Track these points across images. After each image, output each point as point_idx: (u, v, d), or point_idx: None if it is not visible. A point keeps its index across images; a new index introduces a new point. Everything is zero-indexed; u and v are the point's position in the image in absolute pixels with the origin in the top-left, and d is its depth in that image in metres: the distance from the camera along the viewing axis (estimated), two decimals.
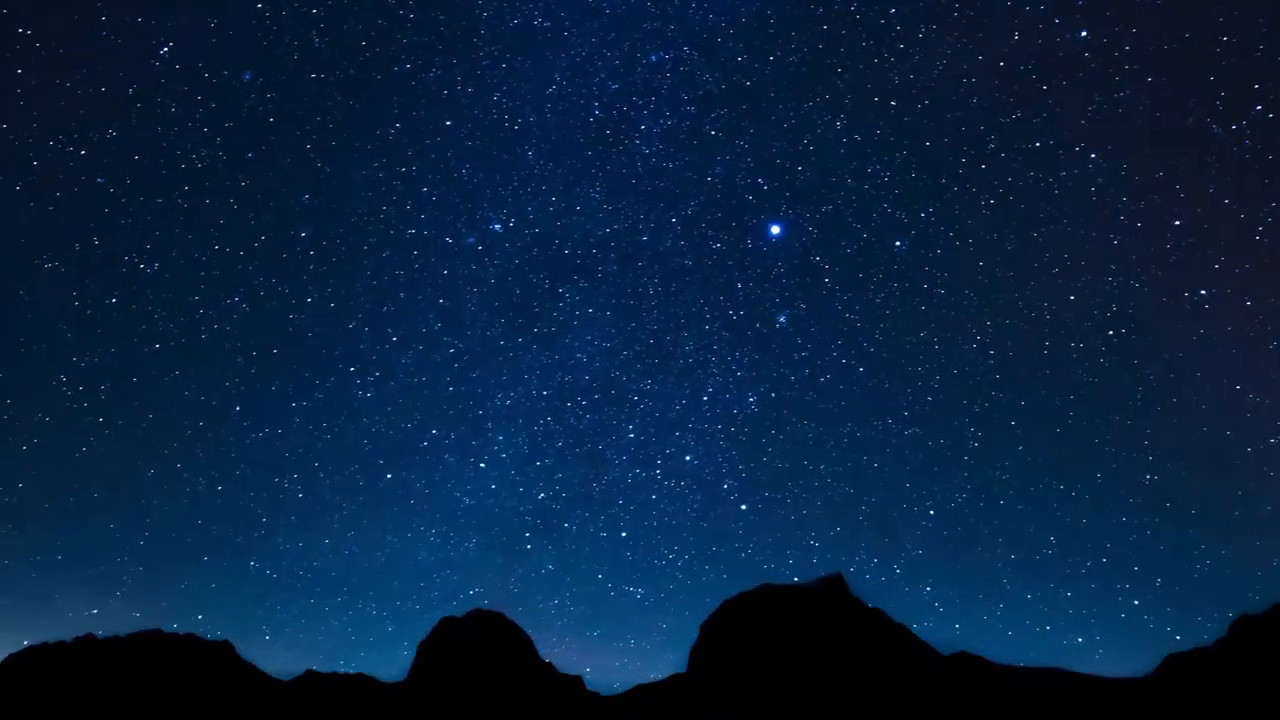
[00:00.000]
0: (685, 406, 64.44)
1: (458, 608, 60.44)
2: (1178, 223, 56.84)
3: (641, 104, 63.77)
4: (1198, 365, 58.02)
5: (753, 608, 45.78)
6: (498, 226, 64.14)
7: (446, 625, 46.42)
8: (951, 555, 61.88)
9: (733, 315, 64.65)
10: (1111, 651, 58.33)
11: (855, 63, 61.03)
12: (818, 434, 64.12)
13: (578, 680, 45.94)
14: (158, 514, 61.39)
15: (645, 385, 64.63)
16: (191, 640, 43.40)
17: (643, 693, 45.43)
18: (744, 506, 63.16)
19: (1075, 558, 59.47)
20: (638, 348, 65.13)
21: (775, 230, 63.99)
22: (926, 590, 60.49)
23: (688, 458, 63.92)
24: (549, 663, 46.07)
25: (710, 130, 63.95)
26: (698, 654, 45.76)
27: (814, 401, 64.00)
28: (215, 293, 61.80)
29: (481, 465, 63.43)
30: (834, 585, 46.50)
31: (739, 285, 64.70)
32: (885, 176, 62.13)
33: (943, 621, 60.39)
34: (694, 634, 46.54)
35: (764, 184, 64.12)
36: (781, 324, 63.95)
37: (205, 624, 60.44)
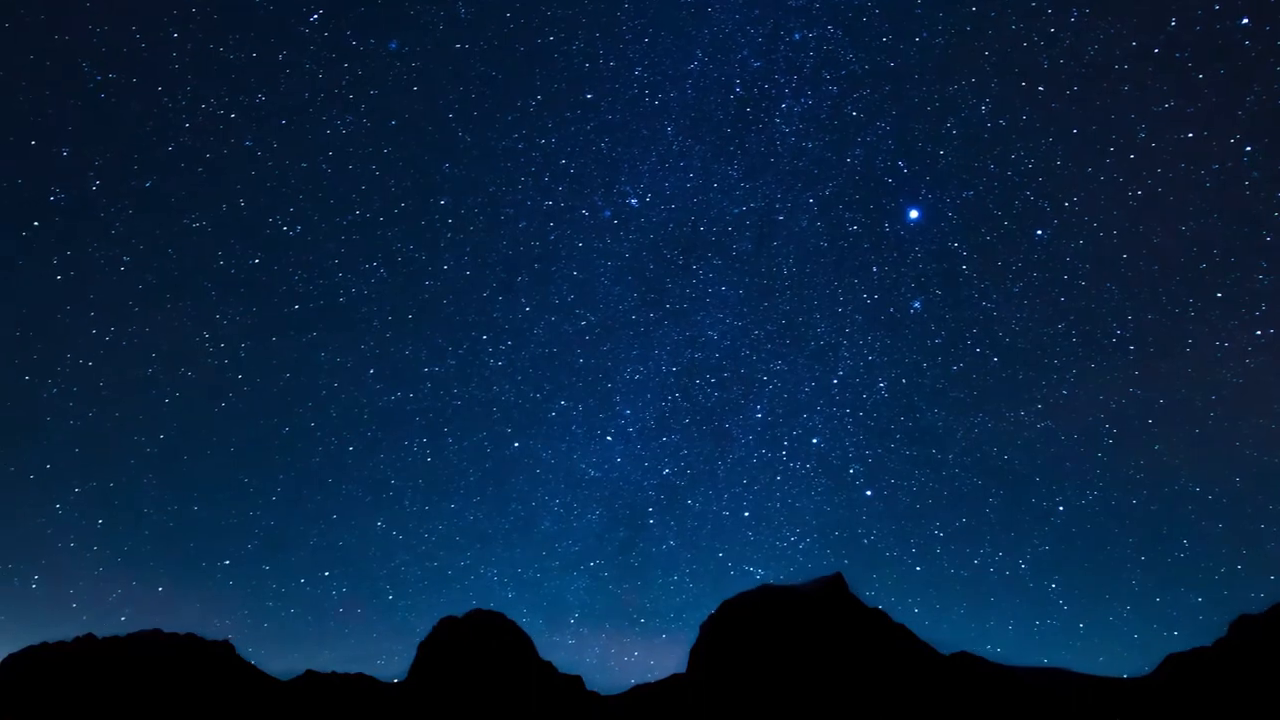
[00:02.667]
0: (814, 389, 64.65)
1: (578, 579, 61.36)
2: None
3: (783, 82, 63.41)
4: None
5: (752, 607, 45.69)
6: (634, 201, 64.94)
7: (446, 625, 46.35)
8: (1079, 553, 61.42)
9: (867, 299, 64.41)
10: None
11: (1003, 46, 59.68)
12: (947, 423, 64.05)
13: (578, 680, 45.90)
14: (290, 470, 63.57)
15: (775, 366, 64.96)
16: (192, 640, 43.32)
17: (642, 692, 45.38)
18: (869, 492, 63.04)
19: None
20: (769, 328, 65.61)
21: (914, 214, 63.41)
22: (1052, 587, 59.86)
23: (814, 440, 64.18)
24: (548, 662, 46.04)
25: (851, 111, 63.37)
26: (698, 654, 45.67)
27: (945, 390, 63.79)
28: (354, 257, 63.76)
29: (608, 438, 64.04)
30: (833, 585, 46.42)
31: (874, 269, 64.45)
32: (1029, 164, 60.70)
33: (1066, 620, 59.82)
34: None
35: (904, 167, 63.40)
36: (916, 310, 63.56)
37: (332, 580, 61.57)
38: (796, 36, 62.11)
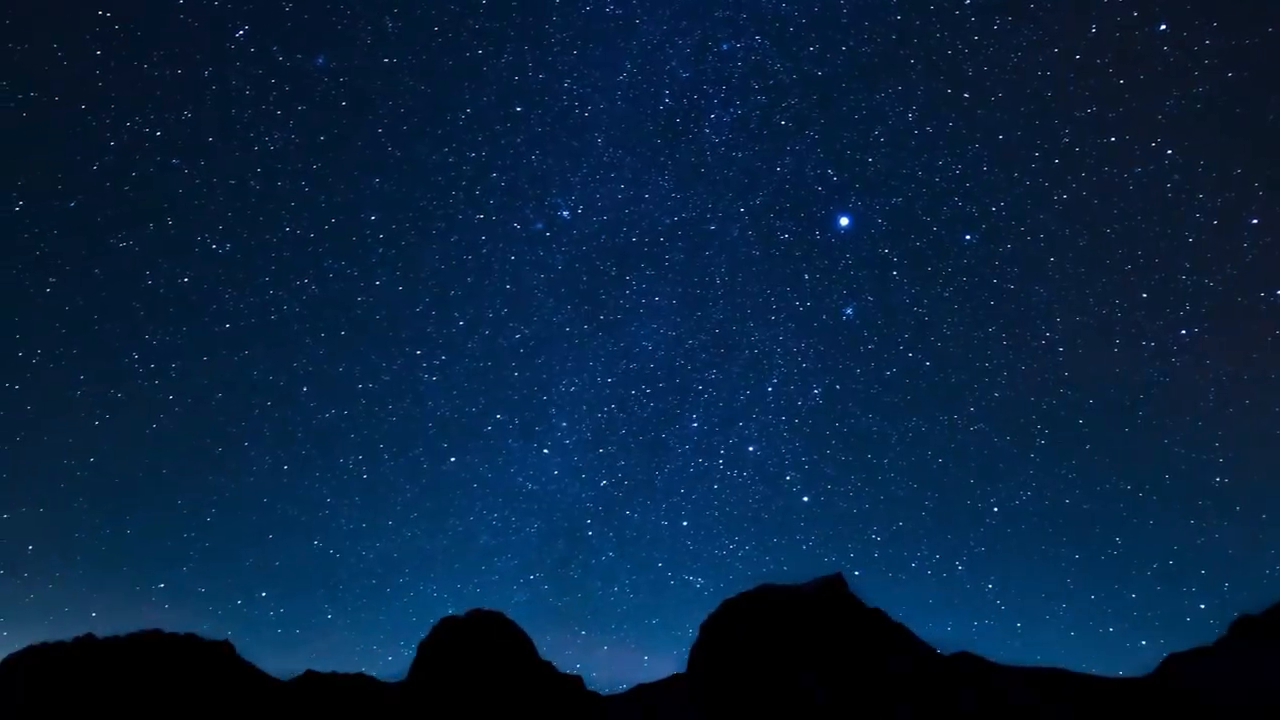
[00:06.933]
0: (749, 397, 65.43)
1: (519, 592, 61.62)
2: (1255, 221, 56.26)
3: (712, 93, 63.86)
4: (1273, 366, 57.67)
5: (753, 607, 45.73)
6: (566, 213, 65.08)
7: (446, 625, 46.35)
8: (1014, 553, 61.72)
9: (799, 306, 64.98)
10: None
11: (928, 54, 60.35)
12: (881, 428, 64.84)
13: (578, 680, 45.92)
14: (224, 491, 63.07)
15: (710, 375, 65.56)
16: (191, 640, 43.32)
17: (643, 692, 45.41)
18: (806, 499, 63.10)
19: (1142, 560, 59.61)
20: (703, 337, 66.21)
21: (844, 222, 64.01)
22: (989, 588, 60.07)
23: (750, 448, 64.85)
24: (549, 662, 46.05)
25: (780, 120, 63.73)
26: (698, 654, 45.71)
27: (879, 395, 64.61)
28: (285, 274, 63.12)
29: (545, 451, 64.31)
30: (834, 585, 46.45)
31: (806, 276, 65.11)
32: (956, 170, 61.52)
33: (1003, 619, 60.06)
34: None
35: (833, 175, 63.84)
36: (848, 316, 64.09)
37: (268, 601, 61.14)
38: (724, 47, 62.66)
